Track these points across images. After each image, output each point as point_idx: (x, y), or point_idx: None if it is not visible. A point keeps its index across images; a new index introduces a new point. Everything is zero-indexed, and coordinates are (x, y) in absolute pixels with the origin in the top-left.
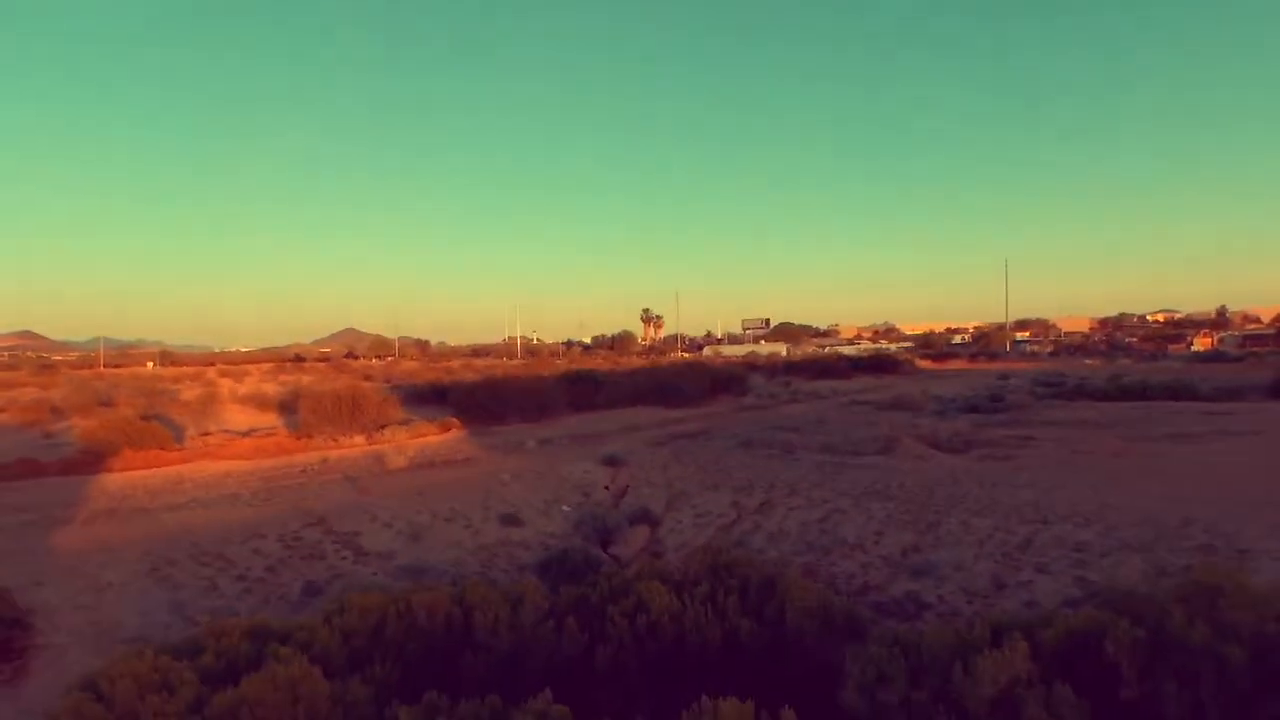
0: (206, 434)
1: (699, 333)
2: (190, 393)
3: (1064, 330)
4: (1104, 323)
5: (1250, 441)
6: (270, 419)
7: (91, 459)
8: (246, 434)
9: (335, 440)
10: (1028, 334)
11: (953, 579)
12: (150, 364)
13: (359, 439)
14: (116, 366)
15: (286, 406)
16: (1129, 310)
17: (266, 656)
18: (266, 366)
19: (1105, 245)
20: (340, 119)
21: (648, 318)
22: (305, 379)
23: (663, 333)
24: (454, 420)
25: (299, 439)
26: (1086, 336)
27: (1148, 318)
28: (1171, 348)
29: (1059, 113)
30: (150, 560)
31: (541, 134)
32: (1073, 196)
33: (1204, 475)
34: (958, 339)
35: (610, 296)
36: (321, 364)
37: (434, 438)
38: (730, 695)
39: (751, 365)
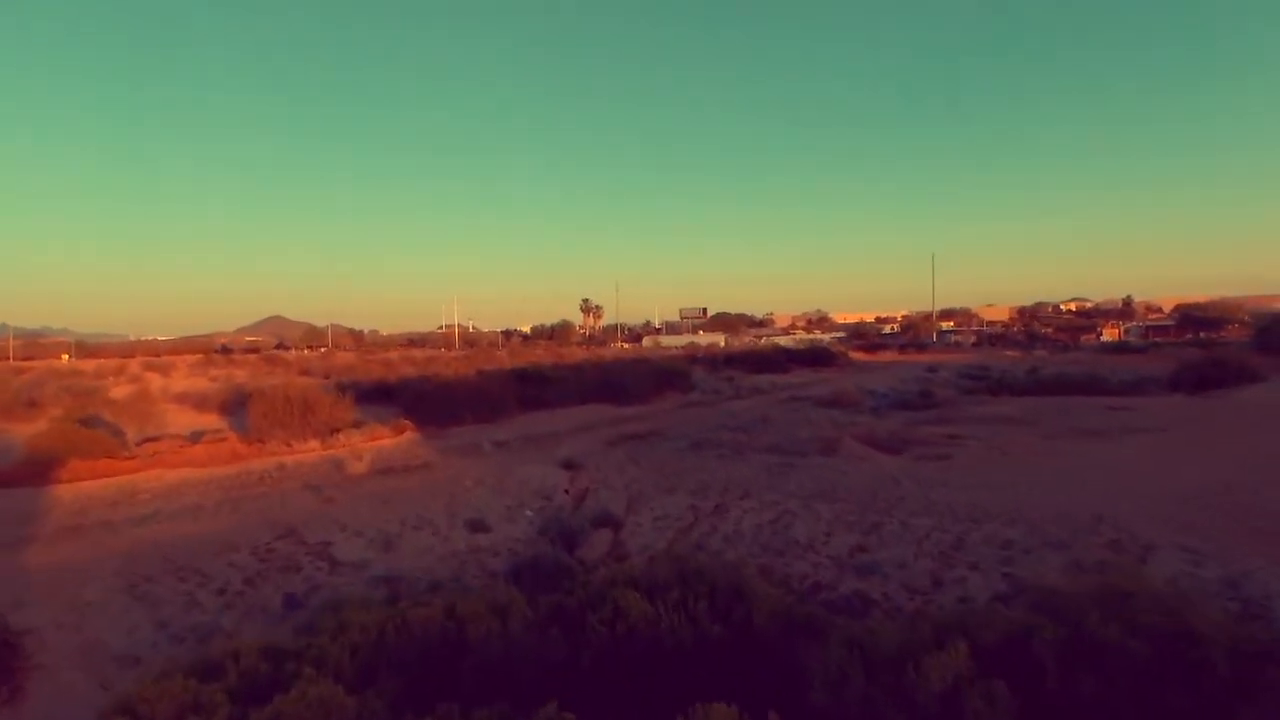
0: (152, 439)
1: (637, 321)
2: (119, 390)
3: (985, 319)
4: (1022, 312)
5: (1150, 439)
6: (214, 420)
7: (36, 469)
8: (195, 438)
9: (289, 445)
10: (952, 323)
11: (895, 577)
12: (66, 356)
13: (313, 443)
14: (27, 358)
15: (229, 407)
16: (1044, 299)
17: (286, 675)
18: (192, 359)
19: (1023, 237)
20: (262, 93)
21: (587, 307)
22: (238, 373)
23: (602, 322)
24: (406, 423)
25: (251, 444)
26: (1006, 326)
27: (1061, 306)
28: (1083, 338)
29: (977, 109)
30: (127, 577)
31: (474, 119)
32: (993, 189)
33: (1111, 473)
34: (887, 329)
35: (548, 286)
36: (251, 355)
37: (388, 441)
38: (710, 697)
39: (692, 357)
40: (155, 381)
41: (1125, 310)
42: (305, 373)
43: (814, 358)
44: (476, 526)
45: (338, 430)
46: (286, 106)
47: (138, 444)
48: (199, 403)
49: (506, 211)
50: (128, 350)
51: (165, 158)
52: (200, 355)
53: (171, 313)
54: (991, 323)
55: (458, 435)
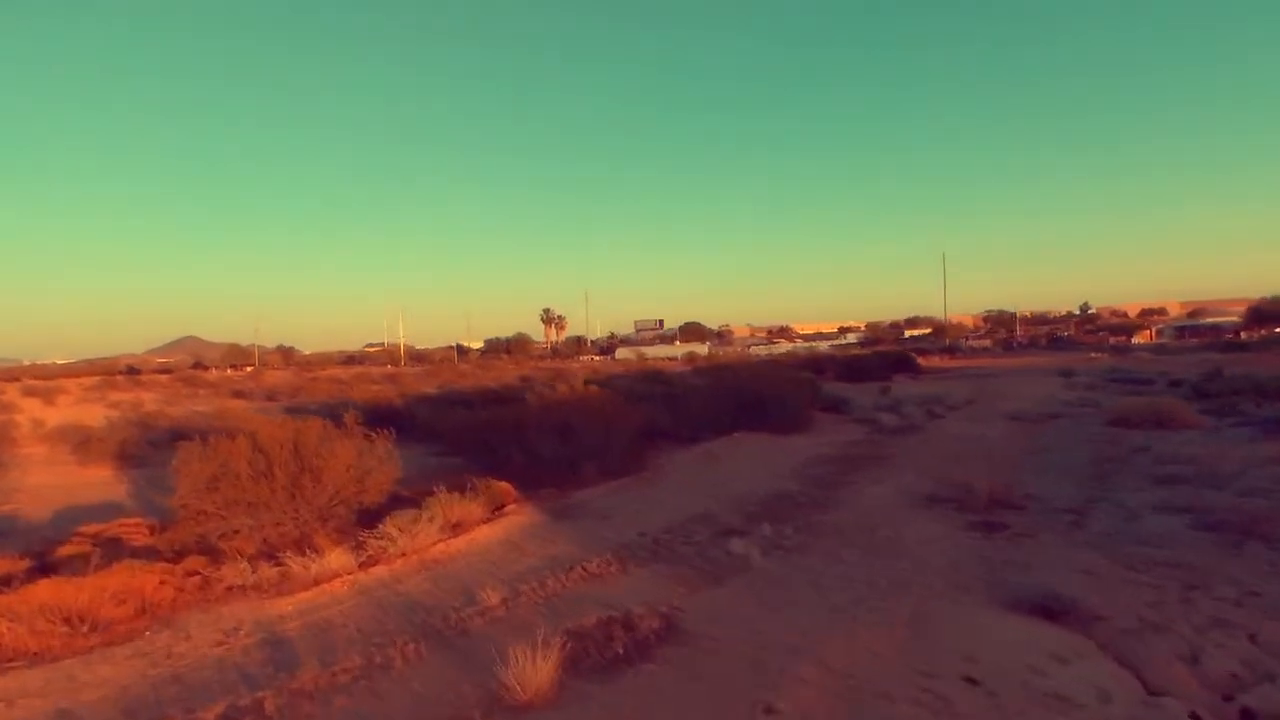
0: None
1: (595, 334)
2: None
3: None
4: (987, 318)
5: None
6: (99, 479)
7: None
8: (45, 551)
9: (275, 559)
10: (929, 330)
11: None
12: None
13: (334, 553)
14: None
15: (133, 452)
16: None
17: None
18: (89, 381)
19: (959, 250)
20: (170, 96)
21: (549, 318)
22: (147, 397)
23: (564, 334)
24: (504, 486)
25: (177, 560)
26: (1010, 332)
27: (1016, 313)
28: (1112, 339)
29: (926, 122)
30: None
31: (403, 122)
32: (954, 202)
33: None
34: (851, 337)
35: (484, 300)
36: (164, 377)
37: (483, 531)
38: None
39: (715, 368)
40: (33, 410)
41: (1086, 316)
42: (240, 394)
43: (902, 364)
44: None
45: (381, 515)
46: (195, 112)
47: None
48: (82, 444)
49: (436, 225)
50: (14, 374)
51: (58, 167)
52: (99, 376)
53: (72, 336)
54: (970, 330)
55: (600, 507)
